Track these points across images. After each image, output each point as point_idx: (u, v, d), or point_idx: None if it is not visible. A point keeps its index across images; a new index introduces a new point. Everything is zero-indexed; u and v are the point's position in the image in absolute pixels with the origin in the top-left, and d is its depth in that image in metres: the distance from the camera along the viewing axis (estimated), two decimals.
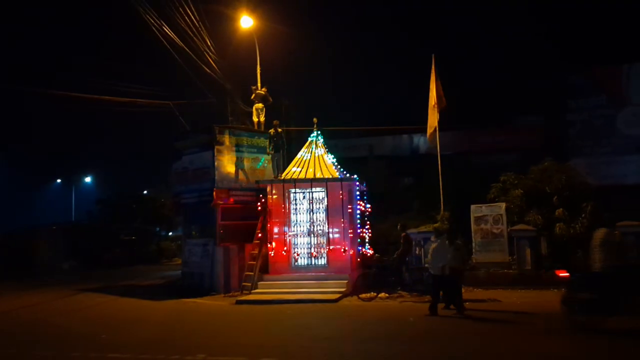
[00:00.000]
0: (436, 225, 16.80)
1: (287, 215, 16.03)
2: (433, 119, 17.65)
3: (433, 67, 17.68)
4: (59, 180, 49.27)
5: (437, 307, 11.47)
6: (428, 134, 18.01)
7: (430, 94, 17.70)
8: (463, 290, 12.27)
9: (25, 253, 27.90)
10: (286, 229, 15.96)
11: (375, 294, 14.00)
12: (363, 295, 13.94)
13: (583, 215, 16.05)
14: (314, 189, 15.95)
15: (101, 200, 38.47)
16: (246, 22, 18.93)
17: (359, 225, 16.70)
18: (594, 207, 16.21)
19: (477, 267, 15.91)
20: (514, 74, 31.40)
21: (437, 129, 17.62)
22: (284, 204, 16.04)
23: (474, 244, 16.26)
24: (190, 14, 18.39)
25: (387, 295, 14.07)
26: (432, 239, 13.04)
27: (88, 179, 48.98)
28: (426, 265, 15.22)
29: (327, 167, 16.36)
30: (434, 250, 12.05)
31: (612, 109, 26.35)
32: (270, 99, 18.61)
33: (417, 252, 16.45)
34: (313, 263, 15.86)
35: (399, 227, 14.73)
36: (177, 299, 15.30)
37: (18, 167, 45.20)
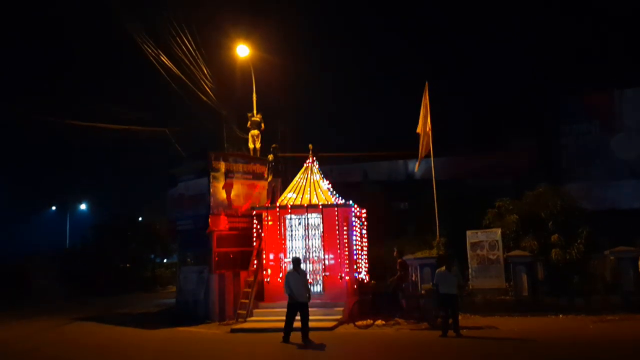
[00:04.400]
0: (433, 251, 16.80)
1: (282, 241, 15.97)
2: (423, 145, 17.93)
3: (426, 94, 17.88)
4: (53, 208, 49.11)
5: (290, 336, 11.84)
6: (419, 159, 18.21)
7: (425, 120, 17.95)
8: (460, 317, 12.32)
9: (18, 281, 27.59)
10: (282, 255, 15.87)
11: (371, 321, 13.90)
12: (359, 323, 13.83)
13: (579, 240, 16.03)
14: (309, 215, 15.91)
15: (95, 226, 38.14)
16: (242, 50, 19.18)
17: (355, 251, 16.63)
18: (589, 232, 16.22)
19: (473, 293, 15.82)
20: (508, 98, 31.70)
21: (427, 154, 17.93)
22: (280, 230, 15.99)
23: (470, 270, 16.20)
24: (187, 42, 18.63)
25: (383, 322, 13.97)
26: None
27: (83, 206, 48.80)
28: (423, 292, 15.22)
29: (322, 192, 16.36)
30: (293, 278, 12.20)
31: (606, 134, 26.57)
32: (263, 125, 18.75)
33: (413, 278, 16.37)
34: None
35: (395, 252, 14.66)
36: (172, 327, 15.10)
37: (12, 194, 45.01)
